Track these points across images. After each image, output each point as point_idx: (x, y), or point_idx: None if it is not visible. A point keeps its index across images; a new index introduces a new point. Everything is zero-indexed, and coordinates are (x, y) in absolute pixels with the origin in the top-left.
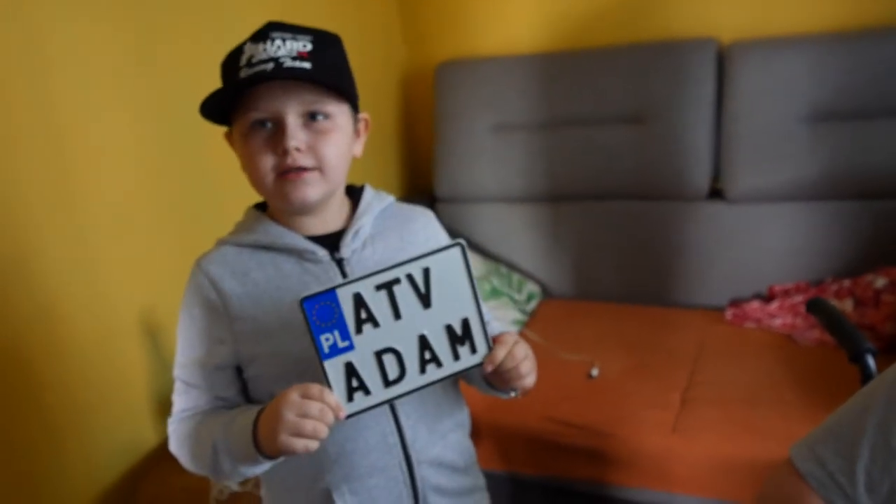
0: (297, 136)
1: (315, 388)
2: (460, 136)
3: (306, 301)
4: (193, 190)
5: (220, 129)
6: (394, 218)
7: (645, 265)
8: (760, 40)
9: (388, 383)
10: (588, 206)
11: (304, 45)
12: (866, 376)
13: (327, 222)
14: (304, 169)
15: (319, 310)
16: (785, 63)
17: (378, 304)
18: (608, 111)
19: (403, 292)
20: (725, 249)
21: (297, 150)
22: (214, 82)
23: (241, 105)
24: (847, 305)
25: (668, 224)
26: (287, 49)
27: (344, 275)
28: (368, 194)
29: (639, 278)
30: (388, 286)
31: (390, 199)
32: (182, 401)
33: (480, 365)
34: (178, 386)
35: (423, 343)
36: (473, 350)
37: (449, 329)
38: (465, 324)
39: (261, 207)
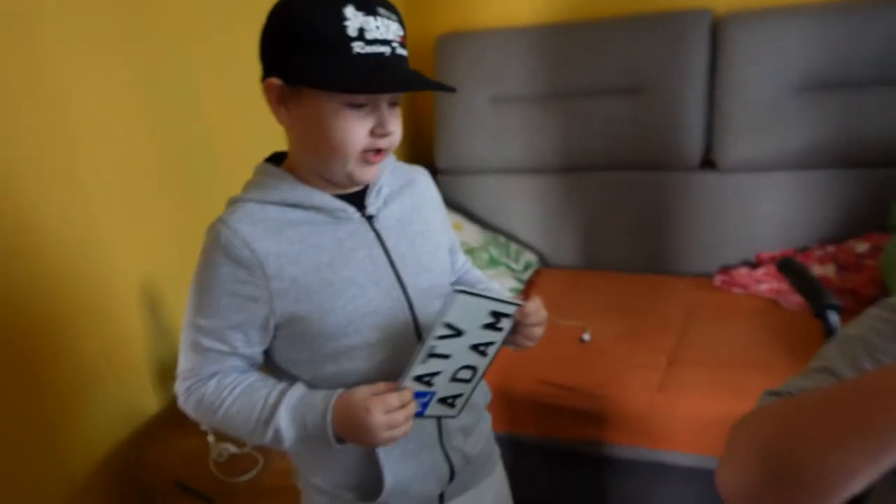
0: (392, 122)
1: (394, 399)
2: (460, 108)
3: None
4: (191, 160)
5: (216, 96)
6: (399, 177)
7: (638, 234)
8: (754, 11)
9: (467, 382)
10: (584, 177)
11: (399, 27)
12: (828, 331)
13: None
14: (383, 151)
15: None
16: (777, 33)
17: (430, 366)
18: (605, 83)
19: (441, 345)
20: (716, 218)
21: (390, 134)
22: (210, 47)
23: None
24: (829, 270)
25: (660, 194)
26: (393, 31)
27: (374, 231)
28: None
29: (632, 247)
30: (429, 356)
31: (392, 157)
32: (199, 360)
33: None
34: (193, 345)
35: (475, 347)
36: (508, 317)
37: (486, 325)
38: (493, 314)
39: (273, 161)
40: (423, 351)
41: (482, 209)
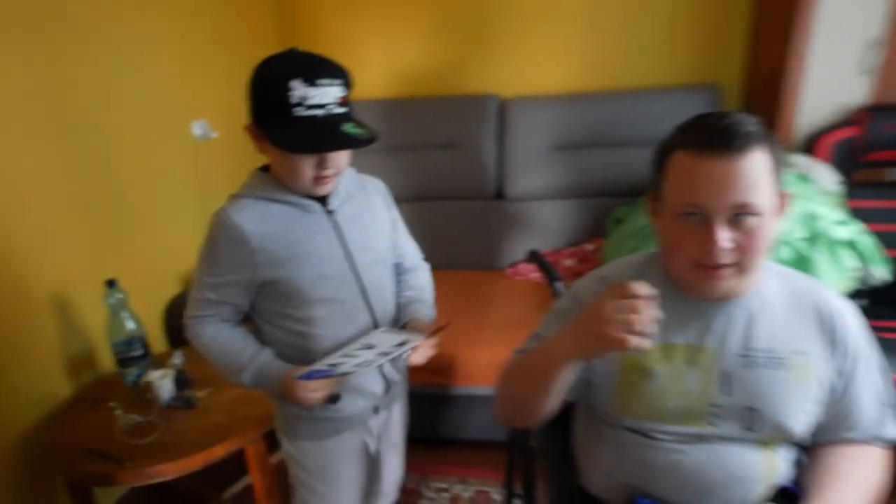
0: (332, 159)
1: (311, 384)
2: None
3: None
4: (97, 183)
5: (118, 120)
6: (357, 184)
7: (456, 244)
8: (526, 97)
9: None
10: (417, 205)
11: (340, 90)
12: (556, 296)
13: None
14: (329, 176)
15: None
16: (541, 112)
17: (341, 359)
18: (430, 141)
19: (357, 353)
20: (506, 231)
21: (329, 169)
22: (109, 72)
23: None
24: (572, 262)
25: (469, 215)
26: (332, 95)
27: (333, 221)
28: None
29: (452, 253)
30: (344, 356)
31: (352, 169)
32: (205, 306)
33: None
34: (202, 295)
35: (382, 353)
36: (406, 342)
37: (394, 345)
38: (400, 343)
39: (263, 170)
40: (338, 354)
41: None
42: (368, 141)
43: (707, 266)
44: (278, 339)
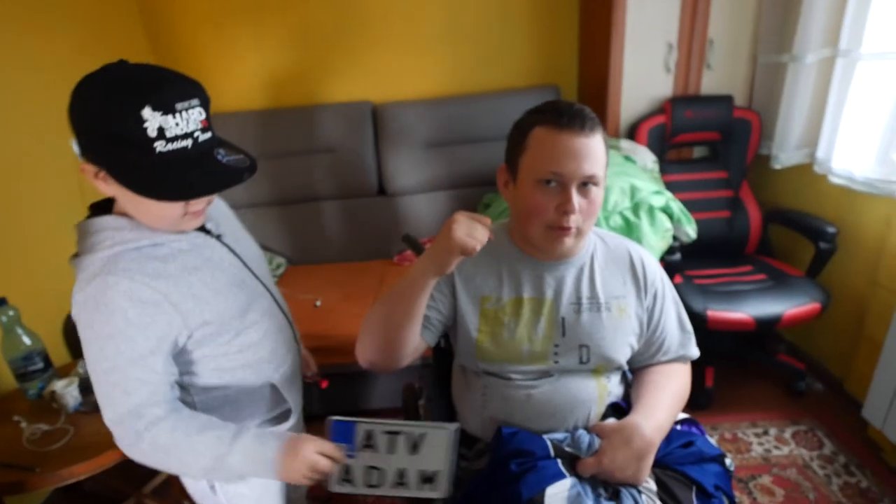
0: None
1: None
2: None
3: (335, 422)
4: None
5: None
6: (218, 208)
7: (347, 237)
8: (396, 102)
9: (367, 485)
10: (305, 206)
11: (200, 111)
12: None
13: None
14: (201, 210)
15: (337, 426)
16: (409, 115)
17: (381, 441)
18: (311, 146)
19: (402, 440)
20: (390, 223)
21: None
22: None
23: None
24: None
25: (357, 211)
26: (194, 120)
27: (224, 244)
28: None
29: (342, 248)
30: (393, 433)
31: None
32: (136, 397)
33: (436, 498)
34: (121, 386)
35: (401, 473)
36: (433, 489)
37: (421, 473)
38: (435, 474)
39: (101, 210)
40: (393, 426)
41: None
42: (251, 170)
43: (559, 227)
44: (227, 385)
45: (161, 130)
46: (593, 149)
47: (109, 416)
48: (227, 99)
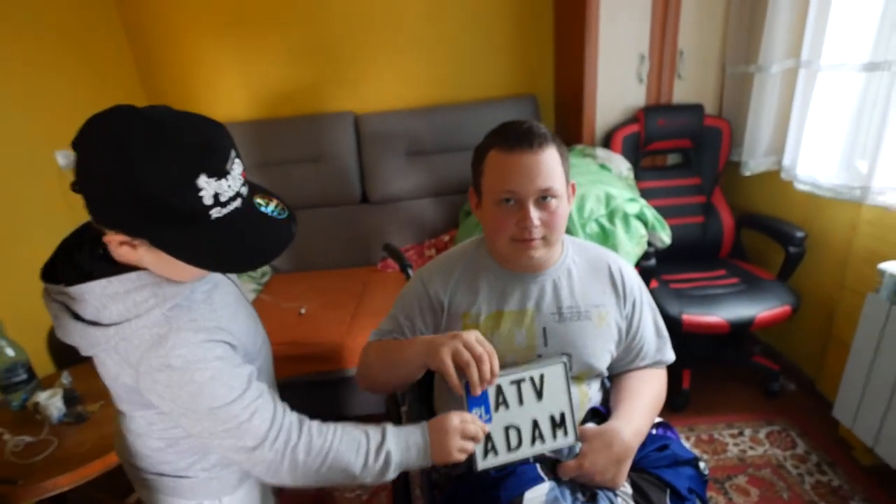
0: None
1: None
2: None
3: (467, 384)
4: None
5: None
6: None
7: (330, 246)
8: (377, 112)
9: (509, 450)
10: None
11: (240, 163)
12: (408, 279)
13: None
14: None
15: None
16: (391, 125)
17: (510, 393)
18: (297, 156)
19: (527, 388)
20: (374, 230)
21: None
22: None
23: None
24: (433, 252)
25: (341, 219)
26: (239, 176)
27: (230, 279)
28: None
29: (327, 254)
30: (518, 382)
31: None
32: (265, 412)
33: (569, 445)
34: (249, 410)
35: (535, 426)
36: (565, 434)
37: (552, 418)
38: (562, 416)
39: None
40: (514, 375)
41: None
42: (293, 219)
43: (522, 240)
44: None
45: (216, 197)
46: (544, 164)
47: (251, 443)
48: (215, 110)
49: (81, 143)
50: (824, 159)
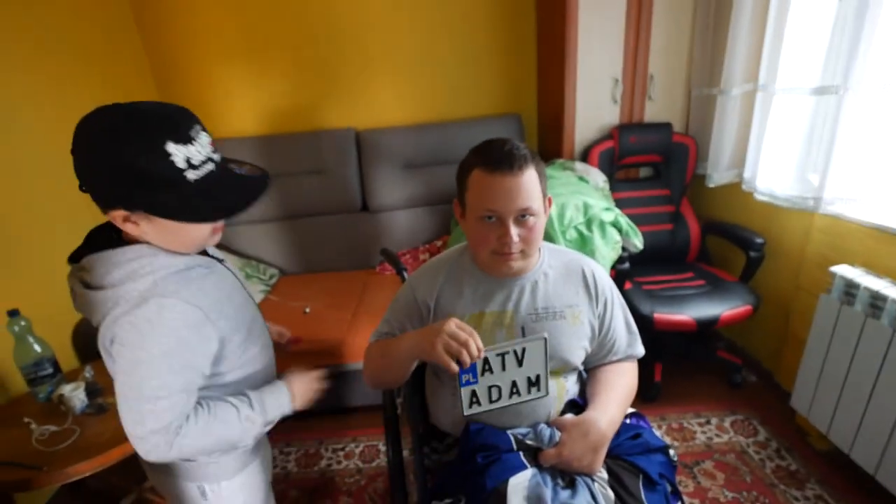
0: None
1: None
2: None
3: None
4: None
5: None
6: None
7: (332, 250)
8: (377, 129)
9: (490, 402)
10: (296, 222)
11: (206, 134)
12: (402, 280)
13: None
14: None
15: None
16: (390, 140)
17: (495, 362)
18: (302, 168)
19: (510, 358)
20: (372, 236)
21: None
22: None
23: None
24: (425, 256)
25: (343, 226)
26: (206, 143)
27: (229, 269)
28: None
29: (329, 259)
30: (503, 354)
31: None
32: (175, 412)
33: (541, 397)
34: (165, 402)
35: (514, 384)
36: (538, 390)
37: (528, 379)
38: (537, 378)
39: (100, 238)
40: (500, 348)
41: (242, 245)
42: (267, 176)
43: (502, 253)
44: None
45: (188, 161)
46: (524, 185)
47: (139, 432)
48: (227, 126)
49: (74, 145)
50: (780, 172)
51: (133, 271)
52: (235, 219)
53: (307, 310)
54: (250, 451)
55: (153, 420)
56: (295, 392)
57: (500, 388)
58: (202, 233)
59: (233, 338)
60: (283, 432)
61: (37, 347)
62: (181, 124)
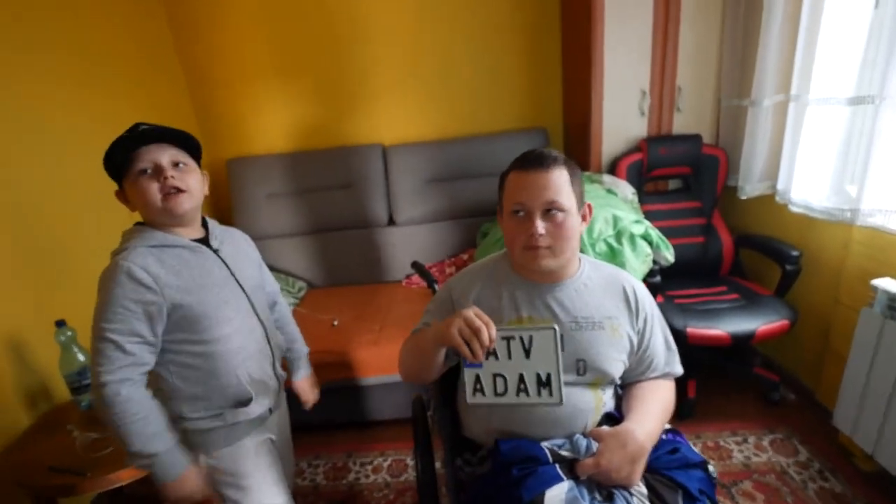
0: (172, 173)
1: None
2: (249, 201)
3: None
4: (35, 241)
5: (39, 187)
6: (224, 231)
7: (359, 264)
8: (402, 144)
9: (496, 394)
10: (324, 235)
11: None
12: (433, 292)
13: (192, 232)
14: (180, 190)
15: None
16: (415, 155)
17: (500, 347)
18: (331, 183)
19: (516, 345)
20: (399, 249)
21: (173, 177)
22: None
23: (128, 164)
24: (452, 269)
25: (370, 239)
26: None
27: (220, 258)
28: (208, 219)
29: (356, 272)
30: (508, 339)
31: (216, 222)
32: (118, 358)
33: (553, 405)
34: (109, 346)
35: (521, 379)
36: (550, 394)
37: (538, 376)
38: (548, 378)
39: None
40: (506, 332)
41: (271, 258)
42: (183, 133)
43: (531, 247)
44: (181, 366)
45: (122, 138)
46: (552, 180)
47: (103, 374)
48: (258, 143)
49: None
50: (816, 184)
51: (124, 241)
52: (262, 231)
53: (336, 322)
54: (247, 424)
55: (106, 365)
56: (185, 480)
57: (505, 380)
58: (149, 197)
59: (191, 308)
60: (309, 444)
61: (81, 357)
62: (135, 127)
